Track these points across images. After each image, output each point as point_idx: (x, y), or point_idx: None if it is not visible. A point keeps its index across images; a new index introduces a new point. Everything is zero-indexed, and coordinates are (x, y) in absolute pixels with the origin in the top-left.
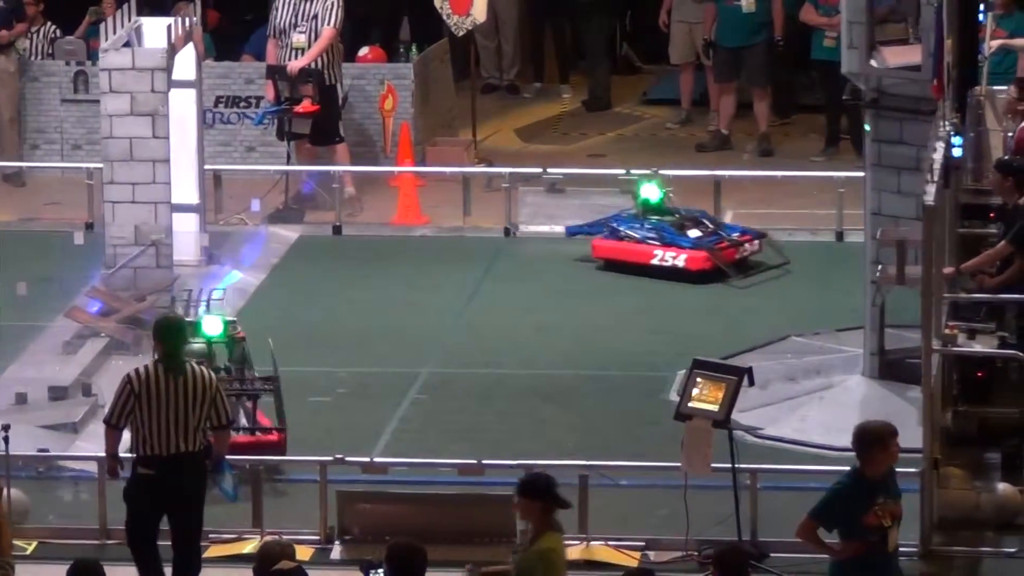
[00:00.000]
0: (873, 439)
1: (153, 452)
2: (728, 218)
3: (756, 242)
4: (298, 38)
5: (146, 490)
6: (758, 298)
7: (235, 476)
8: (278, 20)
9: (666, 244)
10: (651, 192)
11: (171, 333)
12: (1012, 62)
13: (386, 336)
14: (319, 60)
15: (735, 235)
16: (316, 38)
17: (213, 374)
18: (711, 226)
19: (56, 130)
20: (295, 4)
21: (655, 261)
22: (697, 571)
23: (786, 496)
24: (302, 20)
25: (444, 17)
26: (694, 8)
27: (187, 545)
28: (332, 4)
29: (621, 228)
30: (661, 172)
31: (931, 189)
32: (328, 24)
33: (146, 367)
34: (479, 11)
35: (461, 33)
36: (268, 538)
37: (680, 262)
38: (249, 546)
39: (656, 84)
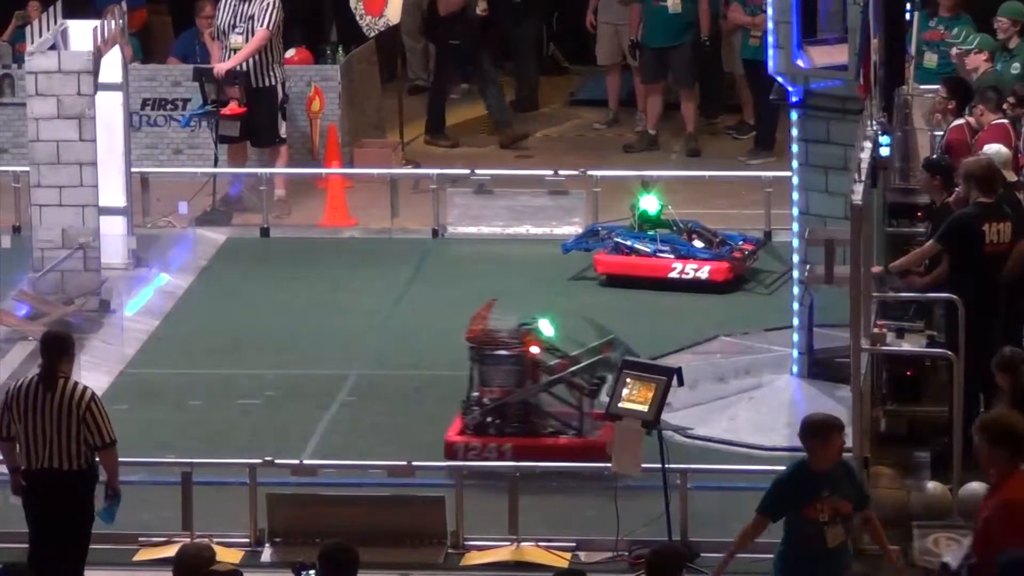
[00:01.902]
0: (812, 432)
1: (27, 465)
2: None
3: (758, 250)
4: (236, 39)
5: (24, 503)
6: (685, 299)
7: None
8: (219, 22)
9: (683, 257)
10: (650, 204)
11: (47, 348)
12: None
13: (315, 338)
14: (250, 61)
15: (740, 243)
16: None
17: (87, 392)
18: (713, 236)
19: None
20: (234, 5)
21: (673, 275)
22: (628, 571)
23: (716, 496)
24: (240, 21)
25: (357, 18)
26: (620, 9)
27: (55, 570)
28: (268, 5)
29: (627, 242)
30: (589, 172)
31: (859, 188)
32: (261, 25)
33: (29, 379)
34: (393, 12)
35: (373, 34)
36: (192, 541)
37: (704, 274)
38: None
39: (583, 85)
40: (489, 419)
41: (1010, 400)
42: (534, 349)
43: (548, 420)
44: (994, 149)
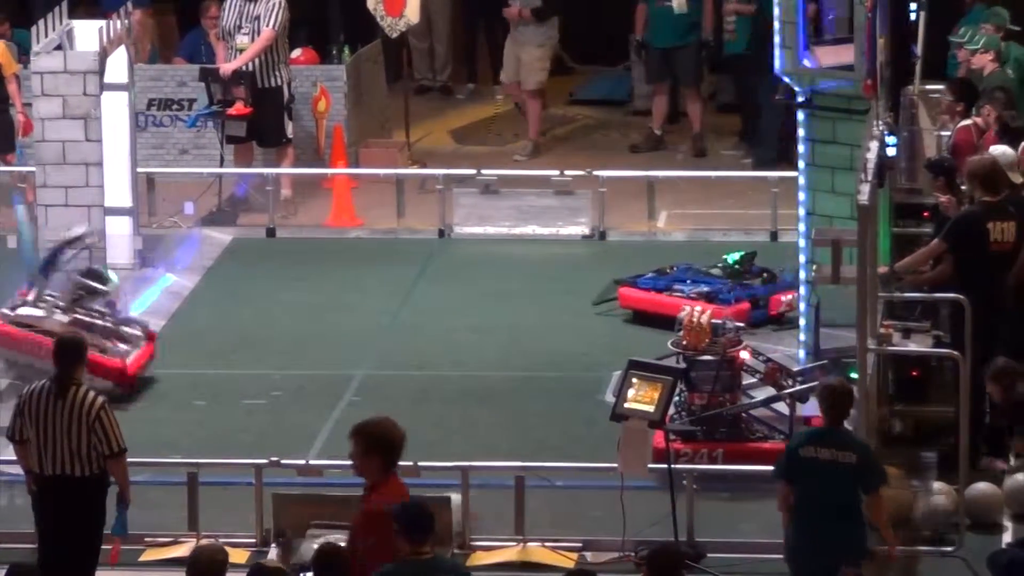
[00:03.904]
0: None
1: (35, 470)
2: (662, 220)
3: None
4: (241, 40)
5: (33, 507)
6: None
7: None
8: (225, 22)
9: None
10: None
11: (61, 353)
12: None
13: (321, 338)
14: (256, 61)
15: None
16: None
17: (98, 400)
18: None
19: None
20: (240, 6)
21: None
22: (634, 572)
23: (723, 496)
24: (246, 22)
25: (378, 19)
26: None
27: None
28: (274, 5)
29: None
30: (595, 173)
31: (865, 188)
32: (267, 25)
33: (42, 384)
34: (412, 12)
35: (395, 35)
36: (203, 541)
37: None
38: (184, 549)
39: (584, 84)
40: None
41: (1002, 410)
42: (744, 355)
43: (754, 425)
44: (1000, 150)
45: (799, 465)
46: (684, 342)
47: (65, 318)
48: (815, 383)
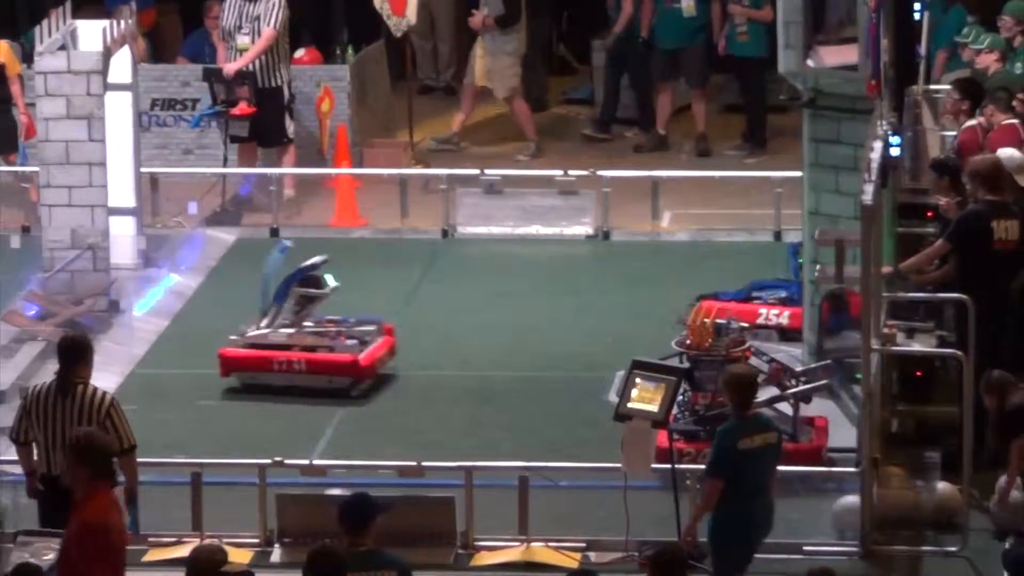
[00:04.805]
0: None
1: (45, 470)
2: (666, 220)
3: None
4: (242, 40)
5: (41, 508)
6: (695, 299)
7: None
8: (225, 23)
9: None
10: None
11: (64, 353)
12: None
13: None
14: (257, 62)
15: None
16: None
17: (107, 397)
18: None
19: None
20: (240, 6)
21: (760, 320)
22: (638, 572)
23: None
24: (246, 22)
25: (385, 18)
26: None
27: None
28: (274, 5)
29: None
30: (598, 172)
31: (869, 188)
32: (268, 25)
33: (47, 384)
34: (411, 13)
35: (400, 34)
36: (204, 542)
37: (784, 319)
38: (188, 549)
39: (579, 85)
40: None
41: (996, 421)
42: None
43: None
44: (1007, 154)
45: (739, 459)
46: (688, 342)
47: (291, 331)
48: (819, 383)
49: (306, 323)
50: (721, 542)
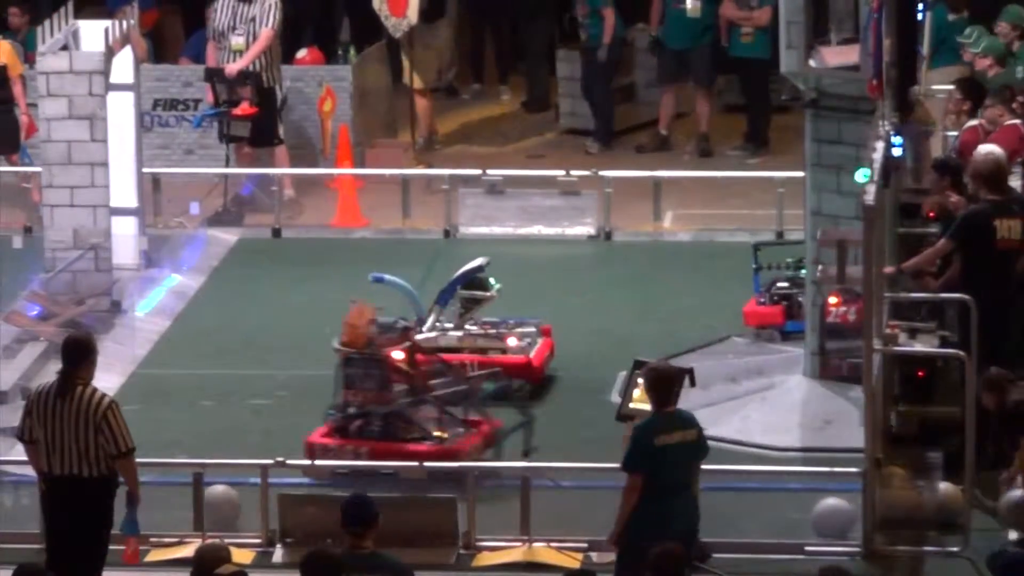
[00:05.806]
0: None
1: (48, 471)
2: (668, 220)
3: None
4: (236, 41)
5: (43, 507)
6: (697, 299)
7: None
8: (217, 23)
9: None
10: None
11: (66, 353)
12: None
13: (326, 338)
14: (257, 62)
15: None
16: (254, 40)
17: (104, 400)
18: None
19: None
20: (233, 7)
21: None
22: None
23: (728, 496)
24: (240, 23)
25: (383, 19)
26: None
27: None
28: (270, 6)
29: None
30: (600, 173)
31: (871, 189)
32: (266, 25)
33: (49, 385)
34: (412, 13)
35: (398, 35)
36: (208, 541)
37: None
38: (190, 549)
39: None
40: (353, 423)
41: (996, 419)
42: (396, 354)
43: (413, 427)
44: (986, 149)
45: (655, 455)
46: (344, 340)
47: (459, 333)
48: (462, 387)
49: (468, 326)
50: (635, 539)
